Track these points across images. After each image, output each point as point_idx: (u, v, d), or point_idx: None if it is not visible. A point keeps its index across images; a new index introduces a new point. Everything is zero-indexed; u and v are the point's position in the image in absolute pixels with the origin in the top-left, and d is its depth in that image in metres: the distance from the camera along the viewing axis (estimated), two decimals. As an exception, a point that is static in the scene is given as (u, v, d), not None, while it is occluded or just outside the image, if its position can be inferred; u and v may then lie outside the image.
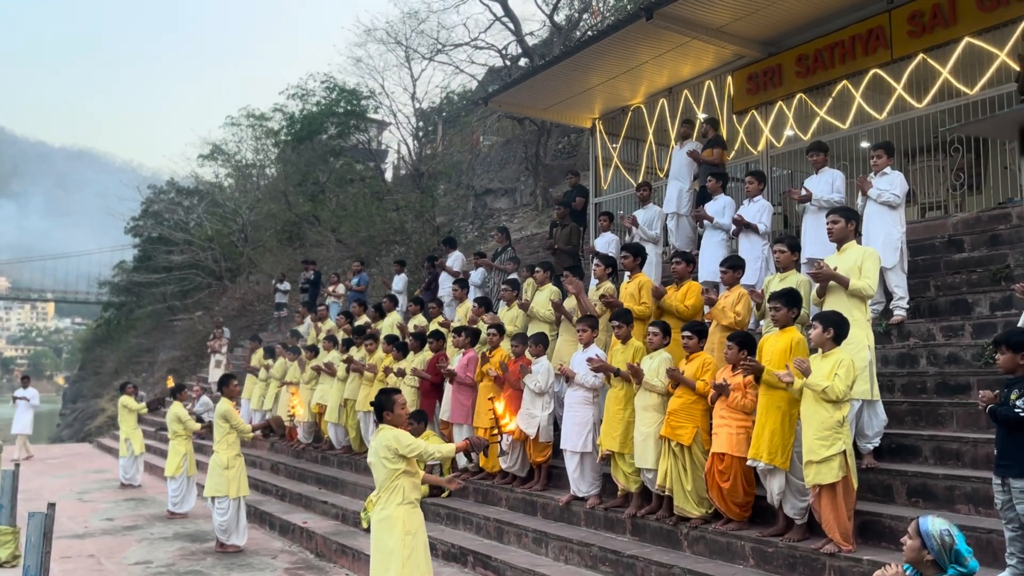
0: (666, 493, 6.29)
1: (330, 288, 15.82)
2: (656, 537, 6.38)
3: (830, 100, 10.10)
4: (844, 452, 5.10)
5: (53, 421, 50.00)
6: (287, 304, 19.95)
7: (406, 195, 26.97)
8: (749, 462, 5.59)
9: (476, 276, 11.96)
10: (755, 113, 11.00)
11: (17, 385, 18.72)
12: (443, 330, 9.83)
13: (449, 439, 8.95)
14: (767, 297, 6.07)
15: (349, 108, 31.19)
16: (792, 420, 5.43)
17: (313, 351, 12.21)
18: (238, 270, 33.67)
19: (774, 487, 5.53)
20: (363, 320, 12.18)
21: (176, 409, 11.17)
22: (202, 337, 24.39)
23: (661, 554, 6.07)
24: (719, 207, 8.71)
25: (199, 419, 15.55)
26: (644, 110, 12.81)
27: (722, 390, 5.82)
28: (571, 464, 7.21)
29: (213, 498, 8.94)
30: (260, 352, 14.16)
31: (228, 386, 9.25)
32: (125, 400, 14.00)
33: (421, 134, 31.76)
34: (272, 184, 35.84)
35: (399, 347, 10.07)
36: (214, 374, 16.86)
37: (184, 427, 10.98)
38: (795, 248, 6.60)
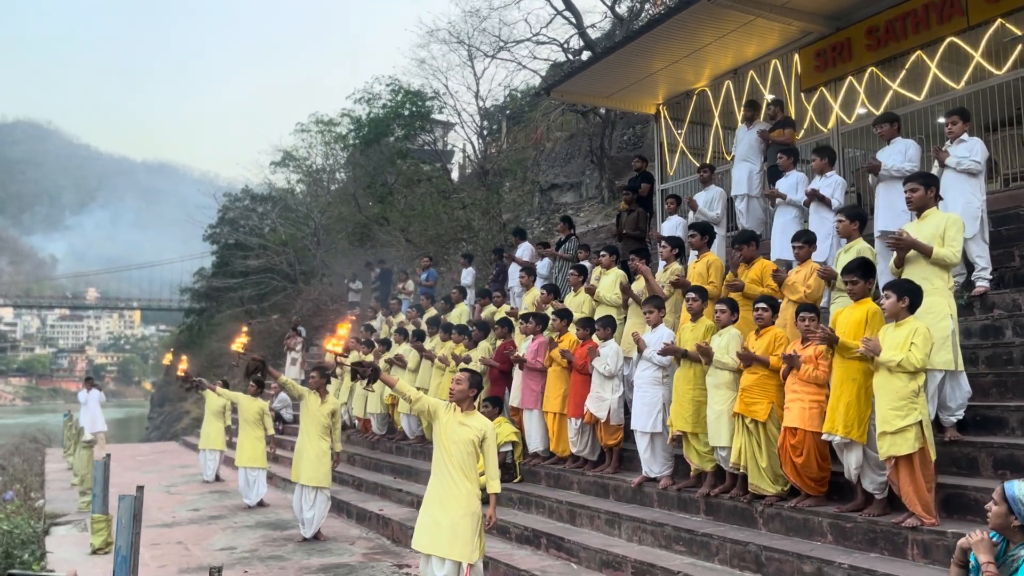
0: (740, 471, 6.20)
1: (400, 285, 16.09)
2: (731, 516, 6.29)
3: (903, 72, 9.78)
4: (920, 423, 4.94)
5: (142, 424, 51.94)
6: (359, 303, 20.35)
7: (472, 193, 27.18)
8: (824, 436, 5.47)
9: (542, 267, 11.98)
10: (824, 90, 10.73)
11: (108, 391, 19.51)
12: (511, 318, 9.88)
13: (519, 425, 8.99)
14: (840, 270, 5.92)
15: (414, 110, 31.58)
16: (868, 392, 5.29)
17: (385, 344, 12.41)
18: (312, 272, 34.42)
19: (851, 461, 5.40)
20: (432, 313, 12.33)
21: (261, 404, 11.55)
22: (279, 338, 25.02)
23: (736, 532, 5.99)
24: (791, 183, 8.53)
25: (277, 416, 16.00)
26: (709, 93, 12.62)
27: (792, 361, 5.70)
28: (642, 445, 7.16)
29: (316, 488, 9.07)
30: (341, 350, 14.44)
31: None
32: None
33: (486, 132, 31.94)
34: (342, 188, 36.53)
35: (468, 336, 10.16)
36: (290, 372, 17.30)
37: (264, 422, 11.37)
38: (855, 217, 6.41)
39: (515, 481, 8.80)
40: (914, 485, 4.96)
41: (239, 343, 10.22)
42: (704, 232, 7.71)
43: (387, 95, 32.40)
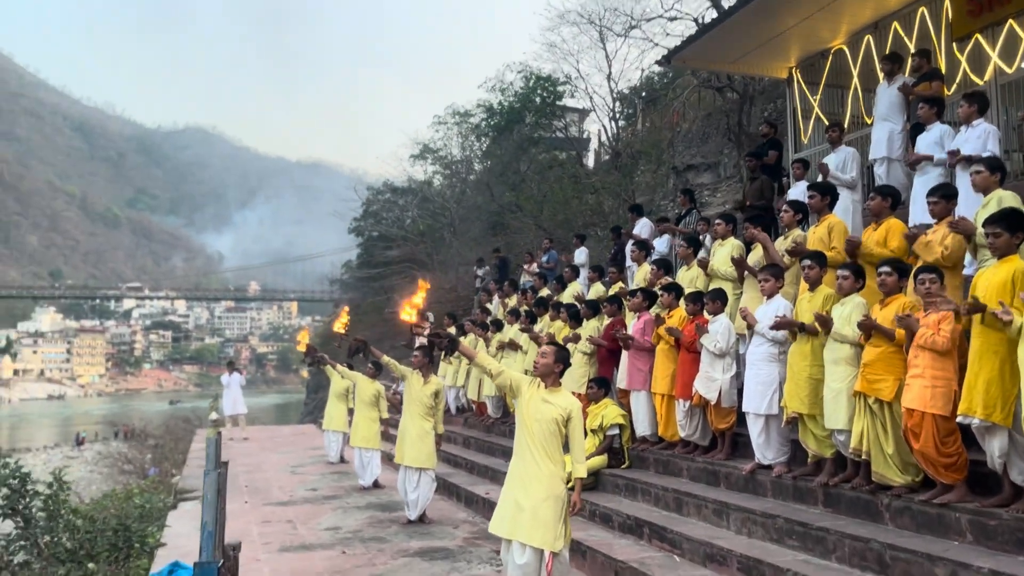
0: (862, 458, 5.42)
1: (524, 267, 15.84)
2: (852, 508, 5.53)
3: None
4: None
5: (299, 409, 54.52)
6: (483, 288, 20.30)
7: (603, 177, 26.65)
8: (960, 419, 4.65)
9: (661, 244, 11.33)
10: (979, 38, 9.50)
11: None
12: (621, 296, 9.32)
13: (627, 407, 8.44)
14: (979, 224, 5.05)
15: (546, 96, 31.29)
16: (1013, 366, 4.44)
17: (499, 326, 12.14)
18: (448, 262, 34.88)
19: (994, 448, 4.57)
20: (545, 293, 11.94)
21: (378, 386, 11.56)
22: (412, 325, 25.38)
23: (857, 527, 5.24)
24: (934, 138, 7.53)
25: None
26: (847, 51, 11.52)
27: (908, 324, 4.89)
28: (755, 429, 6.47)
29: (419, 469, 8.93)
30: (453, 330, 14.33)
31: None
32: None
33: (619, 116, 31.24)
34: (477, 178, 36.86)
35: (573, 316, 9.68)
36: (418, 355, 17.41)
37: (380, 404, 11.37)
38: (995, 168, 5.49)
39: (623, 467, 8.27)
40: (1073, 477, 4.11)
41: (340, 324, 10.19)
42: (825, 192, 6.89)
43: (519, 82, 32.27)
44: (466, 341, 13.19)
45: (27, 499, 8.11)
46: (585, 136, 36.37)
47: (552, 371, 5.43)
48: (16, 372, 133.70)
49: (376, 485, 11.37)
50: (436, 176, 41.52)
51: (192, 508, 10.54)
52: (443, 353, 6.28)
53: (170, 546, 8.11)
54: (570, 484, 5.33)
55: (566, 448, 5.39)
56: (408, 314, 7.65)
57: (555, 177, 28.76)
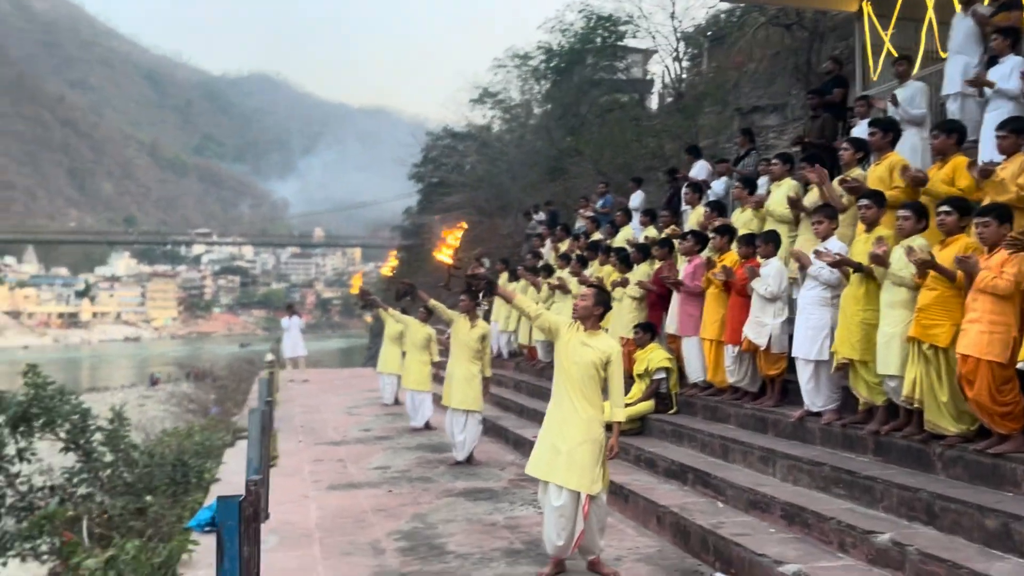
0: (915, 406, 5.20)
1: (580, 211, 15.62)
2: (903, 457, 5.33)
3: None
4: None
5: (362, 354, 55.63)
6: (534, 234, 20.16)
7: (665, 120, 26.05)
8: (1020, 365, 4.40)
9: (719, 186, 10.99)
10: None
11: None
12: (673, 240, 9.09)
13: (676, 353, 8.29)
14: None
15: (607, 36, 30.55)
16: (1081, 311, 4.17)
17: (550, 272, 12.03)
18: (506, 208, 34.74)
19: (1056, 397, 4.32)
20: (597, 237, 11.75)
21: (429, 330, 11.61)
22: (466, 270, 25.48)
23: (907, 477, 5.05)
24: (1005, 70, 7.06)
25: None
26: (921, -19, 10.87)
27: (967, 265, 4.62)
28: (804, 374, 6.27)
29: (466, 411, 8.97)
30: (506, 275, 14.29)
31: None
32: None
33: (683, 56, 30.35)
34: (537, 122, 36.44)
35: (623, 260, 9.49)
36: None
37: (431, 348, 11.42)
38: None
39: (671, 412, 8.15)
40: None
41: (388, 267, 10.22)
42: (887, 129, 6.53)
43: (579, 23, 31.53)
44: (517, 287, 13.15)
45: (88, 434, 8.42)
46: (648, 78, 35.50)
47: (592, 313, 5.32)
48: (95, 315, 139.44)
49: (427, 427, 11.49)
50: (495, 120, 41.20)
51: (242, 445, 10.84)
52: (481, 294, 6.23)
53: (223, 481, 8.32)
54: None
55: (606, 393, 5.30)
56: (444, 254, 7.57)
57: (615, 120, 28.21)
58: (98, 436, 8.61)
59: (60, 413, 7.96)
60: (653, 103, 33.58)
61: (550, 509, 5.21)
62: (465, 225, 8.94)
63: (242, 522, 3.12)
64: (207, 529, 6.56)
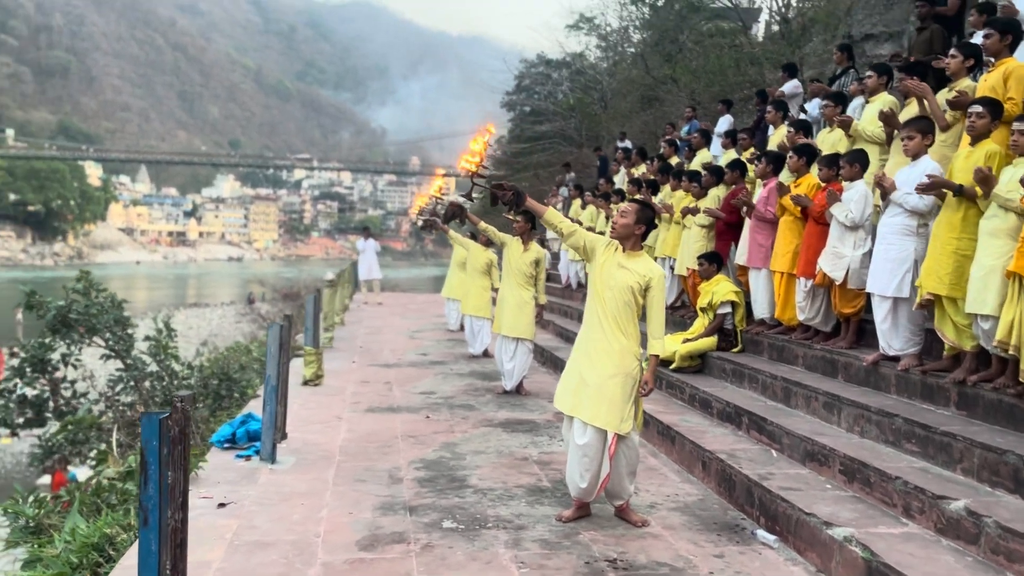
0: (1010, 353, 4.38)
1: (665, 137, 14.71)
2: (990, 413, 4.54)
3: None
4: None
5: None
6: (615, 159, 19.38)
7: (765, 47, 24.45)
8: None
9: (812, 107, 9.94)
10: None
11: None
12: (747, 162, 8.24)
13: (745, 286, 7.53)
14: None
15: (710, -44, 28.82)
16: None
17: (622, 196, 11.28)
18: (598, 138, 33.77)
19: None
20: (675, 161, 10.91)
21: (490, 255, 11.15)
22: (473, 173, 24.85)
23: (993, 435, 4.28)
24: None
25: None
26: None
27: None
28: (880, 312, 5.47)
29: (516, 339, 8.50)
30: (578, 201, 13.62)
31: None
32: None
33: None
34: (633, 49, 35.13)
35: (698, 183, 8.68)
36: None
37: (492, 274, 10.97)
38: None
39: (735, 351, 7.43)
40: None
41: (436, 187, 9.68)
42: (1006, 30, 5.50)
43: (685, -58, 29.76)
44: (585, 214, 12.47)
45: (126, 342, 8.32)
46: (756, 6, 33.52)
47: (632, 233, 4.67)
48: (201, 234, 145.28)
49: (486, 354, 11.10)
50: (591, 48, 39.98)
51: (296, 363, 10.65)
52: (508, 208, 5.64)
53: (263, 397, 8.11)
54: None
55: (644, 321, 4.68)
56: (469, 162, 6.96)
57: (714, 46, 26.72)
58: (141, 346, 8.52)
59: (101, 321, 7.84)
60: (760, 33, 31.72)
61: (573, 447, 4.67)
62: (492, 129, 8.25)
63: (165, 443, 2.69)
64: (226, 446, 6.34)
